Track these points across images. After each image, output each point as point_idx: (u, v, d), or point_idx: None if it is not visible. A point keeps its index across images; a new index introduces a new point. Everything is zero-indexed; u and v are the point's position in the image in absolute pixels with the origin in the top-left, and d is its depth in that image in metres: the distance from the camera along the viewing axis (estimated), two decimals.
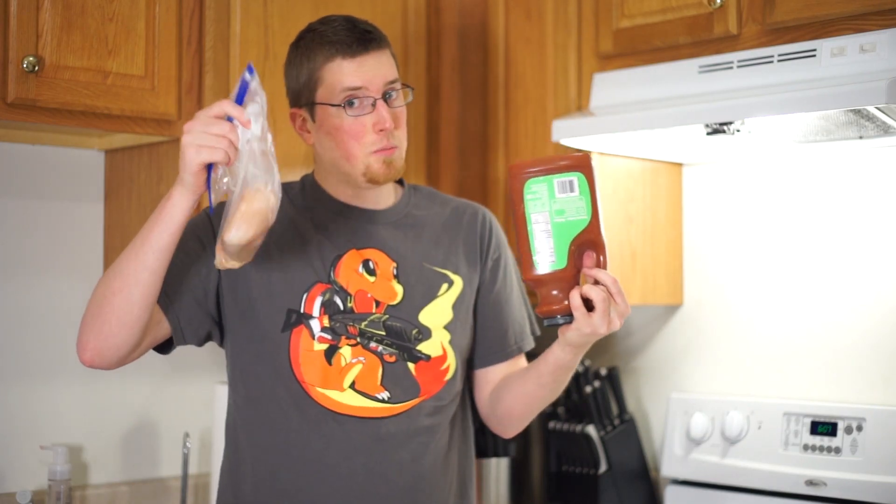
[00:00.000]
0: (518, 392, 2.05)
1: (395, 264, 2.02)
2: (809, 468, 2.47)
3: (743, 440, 2.59)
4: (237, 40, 2.49)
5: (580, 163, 1.80)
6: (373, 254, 2.01)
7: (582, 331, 1.81)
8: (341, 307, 1.97)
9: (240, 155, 1.72)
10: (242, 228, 1.72)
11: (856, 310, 2.53)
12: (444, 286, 2.05)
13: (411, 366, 1.99)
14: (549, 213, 1.79)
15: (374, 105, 1.93)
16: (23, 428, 2.53)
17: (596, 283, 1.80)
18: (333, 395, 1.94)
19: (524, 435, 2.89)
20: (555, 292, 1.79)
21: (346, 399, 1.94)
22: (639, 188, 2.72)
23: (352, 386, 1.95)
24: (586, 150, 2.60)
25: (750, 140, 2.42)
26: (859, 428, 2.43)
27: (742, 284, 2.73)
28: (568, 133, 2.50)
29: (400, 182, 2.13)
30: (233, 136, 1.70)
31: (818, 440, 2.48)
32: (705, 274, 2.80)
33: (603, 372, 2.82)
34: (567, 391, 2.81)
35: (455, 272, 2.06)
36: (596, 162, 1.84)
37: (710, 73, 2.35)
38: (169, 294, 1.92)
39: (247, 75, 1.73)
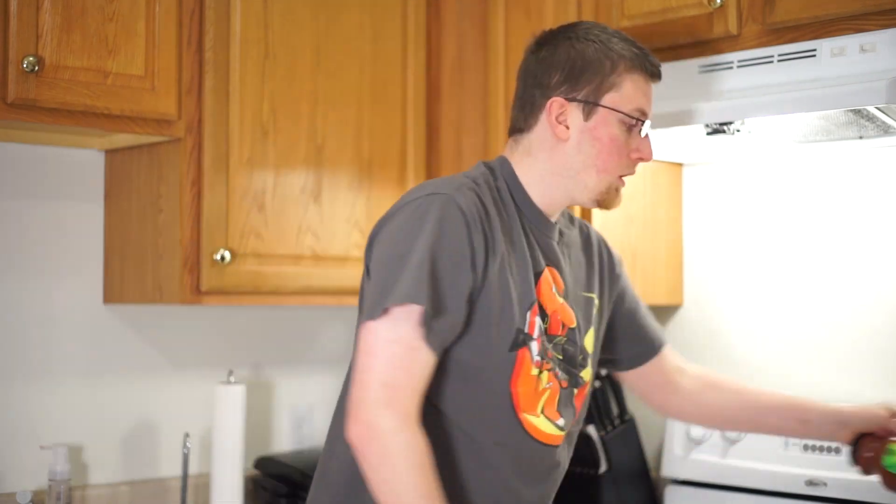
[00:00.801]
0: (756, 425, 2.17)
1: (564, 286, 1.90)
2: (809, 468, 2.47)
3: (743, 440, 2.59)
4: (237, 40, 2.49)
5: None
6: (554, 274, 1.89)
7: None
8: (544, 328, 1.84)
9: None
10: None
11: (856, 310, 2.53)
12: (594, 310, 1.98)
13: (575, 391, 1.90)
14: None
15: (645, 135, 1.88)
16: (23, 428, 2.53)
17: None
18: (532, 419, 1.83)
19: None
20: None
21: (541, 424, 1.84)
22: (639, 188, 2.72)
23: (542, 411, 1.84)
24: None
25: (750, 140, 2.42)
26: None
27: (742, 284, 2.73)
28: None
29: None
30: None
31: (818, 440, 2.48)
32: (705, 274, 2.80)
33: (603, 372, 2.81)
34: None
35: (596, 294, 2.00)
36: None
37: (710, 73, 2.35)
38: (443, 319, 1.72)
39: None
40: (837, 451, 2.44)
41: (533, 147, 1.89)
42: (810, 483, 2.46)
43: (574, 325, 1.90)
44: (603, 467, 2.73)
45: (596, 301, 1.99)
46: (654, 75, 1.90)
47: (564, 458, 1.93)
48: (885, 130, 2.27)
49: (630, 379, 2.17)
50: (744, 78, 2.29)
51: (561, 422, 1.87)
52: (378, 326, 1.69)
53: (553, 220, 1.91)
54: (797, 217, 2.64)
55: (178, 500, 2.69)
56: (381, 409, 1.66)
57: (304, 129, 2.61)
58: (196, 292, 2.45)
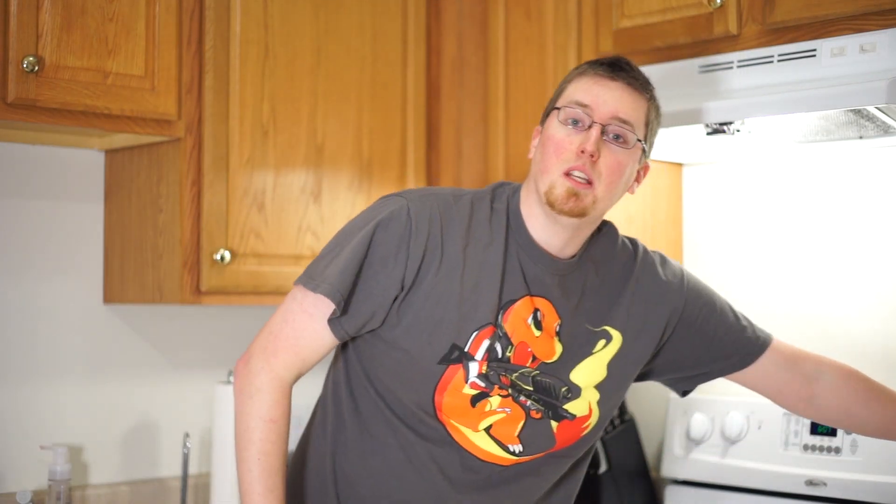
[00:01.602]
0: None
1: (559, 321, 1.88)
2: (809, 468, 2.47)
3: (743, 440, 2.59)
4: (237, 40, 2.49)
5: None
6: (543, 304, 1.87)
7: None
8: (499, 355, 1.84)
9: None
10: None
11: (856, 309, 2.53)
12: (602, 343, 1.93)
13: (554, 424, 1.89)
14: None
15: (589, 128, 1.82)
16: (23, 428, 2.53)
17: None
18: (467, 432, 1.85)
19: None
20: None
21: (478, 440, 1.86)
22: (639, 188, 2.71)
23: (487, 429, 1.86)
24: None
25: (750, 140, 2.42)
26: None
27: (742, 284, 2.73)
28: None
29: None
30: None
31: (818, 440, 2.48)
32: (705, 274, 2.79)
33: None
34: None
35: (615, 328, 1.94)
36: None
37: (710, 73, 2.35)
38: (346, 307, 1.81)
39: None
40: (837, 451, 2.45)
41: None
42: (810, 483, 2.46)
43: (552, 359, 1.88)
44: (603, 467, 2.74)
45: (612, 333, 1.94)
46: (600, 74, 1.86)
47: (525, 481, 1.92)
48: (885, 130, 2.27)
49: (752, 384, 2.11)
50: (744, 78, 2.29)
51: (516, 448, 1.88)
52: (294, 291, 1.86)
53: (559, 255, 1.89)
54: (797, 217, 2.64)
55: (178, 500, 2.69)
56: (258, 352, 1.84)
57: (304, 129, 2.61)
58: (196, 292, 2.45)
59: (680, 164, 2.83)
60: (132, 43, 2.33)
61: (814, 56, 2.21)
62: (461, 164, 2.89)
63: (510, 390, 1.85)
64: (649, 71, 2.46)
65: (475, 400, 1.84)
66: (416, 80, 2.82)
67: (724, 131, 2.31)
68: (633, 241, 2.03)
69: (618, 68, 1.86)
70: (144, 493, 2.68)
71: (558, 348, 1.88)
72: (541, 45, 2.72)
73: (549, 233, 1.87)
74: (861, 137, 2.36)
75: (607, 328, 1.93)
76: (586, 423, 1.92)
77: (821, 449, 2.47)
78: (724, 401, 2.65)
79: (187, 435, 2.65)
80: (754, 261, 2.71)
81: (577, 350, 1.90)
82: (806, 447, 2.49)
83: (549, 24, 2.70)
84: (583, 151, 1.80)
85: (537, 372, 1.87)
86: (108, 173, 2.65)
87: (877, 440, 2.39)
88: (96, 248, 2.64)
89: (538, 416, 1.87)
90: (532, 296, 1.86)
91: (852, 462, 2.42)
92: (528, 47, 2.75)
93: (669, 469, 2.71)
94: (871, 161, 2.52)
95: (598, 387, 1.92)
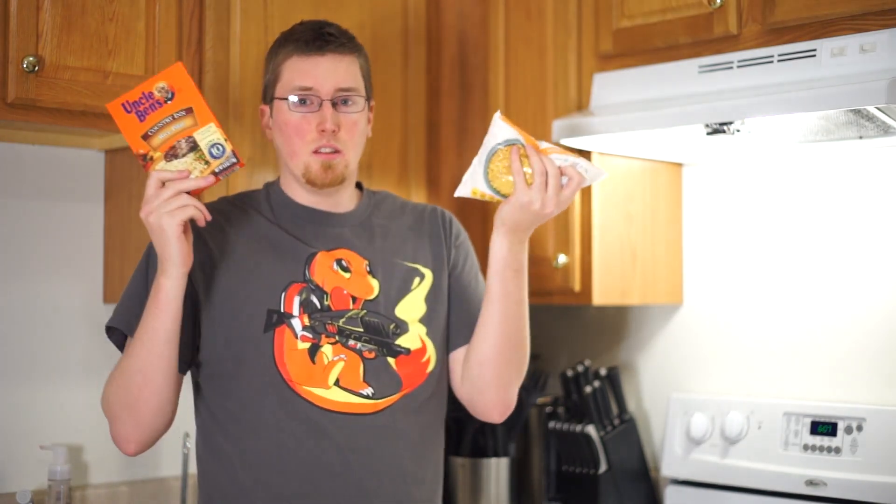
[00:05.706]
0: (480, 340, 2.04)
1: (366, 261, 2.05)
2: (809, 468, 2.47)
3: (743, 440, 2.59)
4: (237, 40, 2.49)
5: None
6: (343, 254, 2.05)
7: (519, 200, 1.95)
8: (318, 305, 1.98)
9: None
10: None
11: (856, 309, 2.54)
12: (417, 280, 2.09)
13: (391, 360, 2.01)
14: None
15: (320, 105, 1.99)
16: (23, 428, 2.53)
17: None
18: (320, 392, 1.95)
19: (524, 435, 2.89)
20: None
21: (333, 396, 1.96)
22: (639, 188, 2.72)
23: (336, 383, 1.96)
24: (587, 149, 2.60)
25: (750, 140, 2.43)
26: (859, 428, 2.43)
27: (742, 284, 2.73)
28: (568, 133, 2.50)
29: (359, 187, 2.17)
30: (184, 192, 1.81)
31: (818, 440, 2.48)
32: (705, 274, 2.80)
33: (603, 372, 2.82)
34: (567, 391, 2.81)
35: (425, 266, 2.10)
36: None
37: (710, 73, 2.35)
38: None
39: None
40: (837, 451, 2.45)
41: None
42: (810, 483, 2.46)
43: (373, 296, 2.03)
44: (603, 467, 2.74)
45: (423, 271, 2.10)
46: (309, 53, 2.01)
47: (400, 427, 2.00)
48: (885, 130, 2.27)
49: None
50: (744, 78, 2.29)
51: (367, 391, 1.98)
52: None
53: (337, 210, 2.07)
54: (797, 217, 2.64)
55: (178, 500, 2.69)
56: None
57: None
58: None
59: (680, 164, 2.83)
60: (132, 43, 2.33)
61: (814, 56, 2.21)
62: (461, 164, 2.89)
63: (338, 337, 1.98)
64: (649, 71, 2.47)
65: (312, 354, 1.96)
66: (416, 80, 2.82)
67: (724, 131, 2.31)
68: (406, 202, 2.21)
69: (323, 41, 2.01)
70: (144, 493, 2.68)
71: (374, 284, 2.04)
72: (541, 45, 2.72)
73: (317, 199, 2.06)
74: (861, 137, 2.37)
75: (419, 267, 2.10)
76: (425, 358, 2.04)
77: (821, 449, 2.47)
78: (724, 401, 2.65)
79: (187, 435, 2.65)
80: (754, 260, 2.71)
81: (398, 286, 2.06)
82: (806, 447, 2.49)
83: (549, 24, 2.70)
84: (323, 130, 1.98)
85: (364, 312, 2.01)
86: (108, 173, 2.65)
87: (876, 440, 2.40)
88: (96, 248, 2.64)
89: (372, 355, 1.99)
90: (328, 251, 2.03)
91: (852, 462, 2.42)
92: (528, 47, 2.75)
93: (669, 469, 2.71)
94: (871, 161, 2.52)
95: (422, 320, 2.06)
